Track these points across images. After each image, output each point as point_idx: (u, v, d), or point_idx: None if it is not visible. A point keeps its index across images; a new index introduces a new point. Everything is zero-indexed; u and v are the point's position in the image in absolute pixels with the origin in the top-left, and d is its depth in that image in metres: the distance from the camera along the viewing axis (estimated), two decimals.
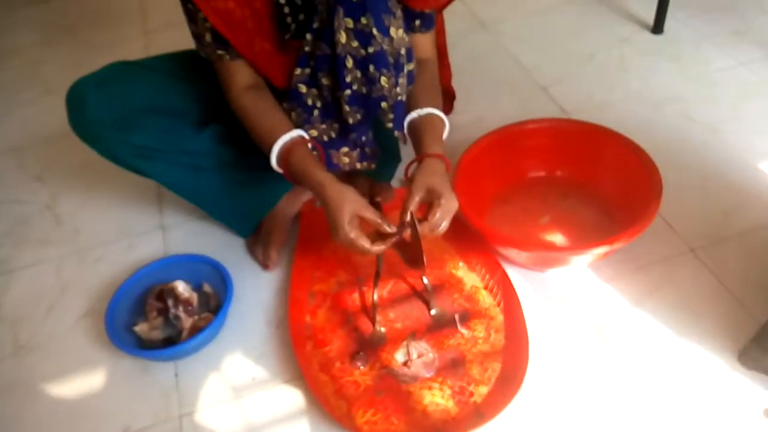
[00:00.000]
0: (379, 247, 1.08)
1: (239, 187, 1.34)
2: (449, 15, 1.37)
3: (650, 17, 1.89)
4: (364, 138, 1.25)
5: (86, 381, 1.23)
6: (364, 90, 1.14)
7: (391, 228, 1.08)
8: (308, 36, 1.14)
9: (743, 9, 1.95)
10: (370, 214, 1.07)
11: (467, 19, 2.06)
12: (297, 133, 1.14)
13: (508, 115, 1.48)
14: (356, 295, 1.28)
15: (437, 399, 1.10)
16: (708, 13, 1.94)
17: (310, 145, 1.15)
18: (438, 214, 1.07)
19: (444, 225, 1.08)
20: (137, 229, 1.51)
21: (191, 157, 1.28)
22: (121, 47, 2.18)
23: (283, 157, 1.13)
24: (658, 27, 1.88)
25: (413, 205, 1.07)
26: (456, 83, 1.58)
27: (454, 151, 1.35)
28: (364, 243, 1.06)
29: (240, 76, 1.18)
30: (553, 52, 1.88)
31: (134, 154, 1.24)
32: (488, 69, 1.84)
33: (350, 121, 1.19)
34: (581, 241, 1.31)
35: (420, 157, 1.13)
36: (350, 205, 1.06)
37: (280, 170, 1.15)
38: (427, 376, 1.14)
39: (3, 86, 2.09)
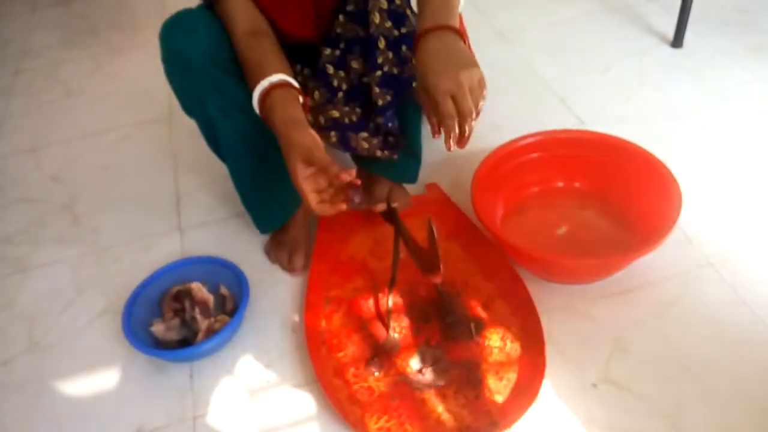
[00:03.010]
0: (322, 207, 1.01)
1: (279, 176, 1.23)
2: (468, 26, 1.38)
3: (670, 31, 1.89)
4: (390, 125, 1.24)
5: (100, 379, 1.23)
6: (395, 71, 1.15)
7: (342, 175, 0.99)
8: (341, 17, 1.14)
9: (763, 24, 1.94)
10: (319, 154, 0.99)
11: (486, 30, 2.06)
12: (278, 77, 1.07)
13: (526, 125, 1.48)
14: (371, 301, 1.28)
15: (451, 407, 1.10)
16: (727, 28, 1.94)
17: (301, 99, 1.09)
18: (467, 102, 0.94)
19: (482, 103, 0.96)
20: (155, 231, 1.51)
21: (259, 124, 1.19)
22: (142, 50, 2.19)
23: (260, 102, 1.07)
24: (677, 40, 1.87)
25: (449, 108, 0.94)
26: None
27: (471, 160, 1.36)
28: (311, 199, 1.01)
29: (240, 18, 1.14)
30: (571, 63, 1.89)
31: (218, 105, 1.19)
32: (506, 79, 1.84)
33: (380, 102, 1.19)
34: (599, 253, 1.30)
35: (421, 32, 0.98)
36: (297, 149, 0.99)
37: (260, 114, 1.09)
38: (442, 383, 1.13)
39: (23, 87, 2.10)
